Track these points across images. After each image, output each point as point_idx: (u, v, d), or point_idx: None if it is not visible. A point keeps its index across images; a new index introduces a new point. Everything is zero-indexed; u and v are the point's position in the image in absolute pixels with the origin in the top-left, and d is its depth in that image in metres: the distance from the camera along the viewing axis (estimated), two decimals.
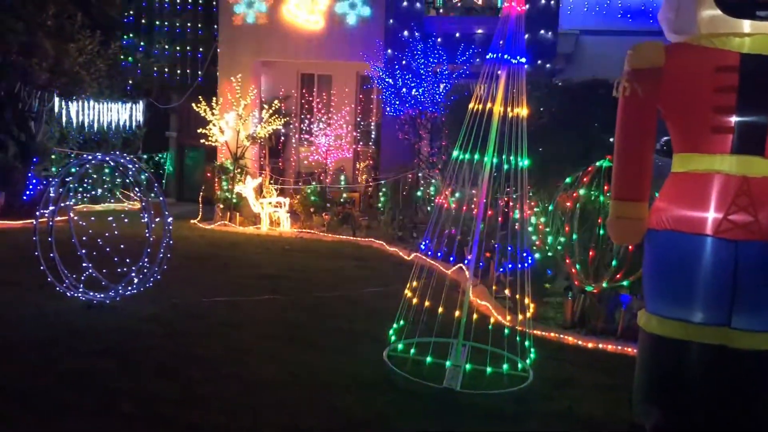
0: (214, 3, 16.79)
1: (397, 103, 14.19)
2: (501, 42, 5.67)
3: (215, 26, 16.88)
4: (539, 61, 13.82)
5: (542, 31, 14.26)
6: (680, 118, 4.69)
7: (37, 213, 7.69)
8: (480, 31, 14.20)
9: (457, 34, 14.69)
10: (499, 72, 5.42)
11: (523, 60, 5.48)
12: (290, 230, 14.65)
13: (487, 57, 5.54)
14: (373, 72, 14.68)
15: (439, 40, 14.49)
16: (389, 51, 14.86)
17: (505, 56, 5.39)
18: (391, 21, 15.20)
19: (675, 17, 4.74)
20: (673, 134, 4.79)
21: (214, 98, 15.96)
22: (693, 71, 4.54)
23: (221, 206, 15.61)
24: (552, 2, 14.49)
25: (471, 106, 5.58)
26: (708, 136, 4.52)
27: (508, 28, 5.35)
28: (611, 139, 4.98)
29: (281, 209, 14.92)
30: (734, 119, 4.46)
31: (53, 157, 15.97)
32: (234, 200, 15.33)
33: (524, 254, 5.95)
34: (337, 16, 15.49)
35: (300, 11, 15.66)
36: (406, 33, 14.87)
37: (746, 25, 4.43)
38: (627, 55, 4.77)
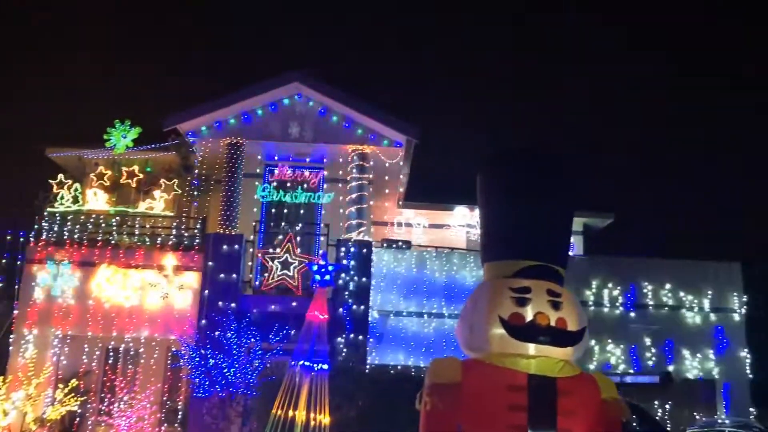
0: (19, 274, 15.94)
1: (207, 383, 13.63)
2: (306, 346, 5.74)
3: (15, 300, 15.83)
4: (351, 362, 13.93)
5: (353, 335, 14.80)
6: None
7: None
8: (294, 308, 14.46)
9: (273, 313, 14.86)
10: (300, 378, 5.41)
11: (325, 366, 5.54)
12: None
13: (291, 363, 5.56)
14: (184, 350, 14.19)
15: (254, 318, 14.52)
16: (202, 328, 14.59)
17: (307, 363, 5.44)
18: (206, 298, 15.14)
19: (469, 335, 5.08)
20: None
21: (2, 377, 14.47)
22: (487, 389, 4.79)
23: None
24: (362, 307, 15.26)
25: (274, 412, 5.44)
26: None
27: (312, 336, 5.46)
28: None
29: None
30: None
31: None
32: None
33: None
34: (150, 291, 15.21)
35: (111, 286, 15.25)
36: (221, 311, 14.79)
37: (531, 347, 4.82)
38: (428, 369, 4.96)
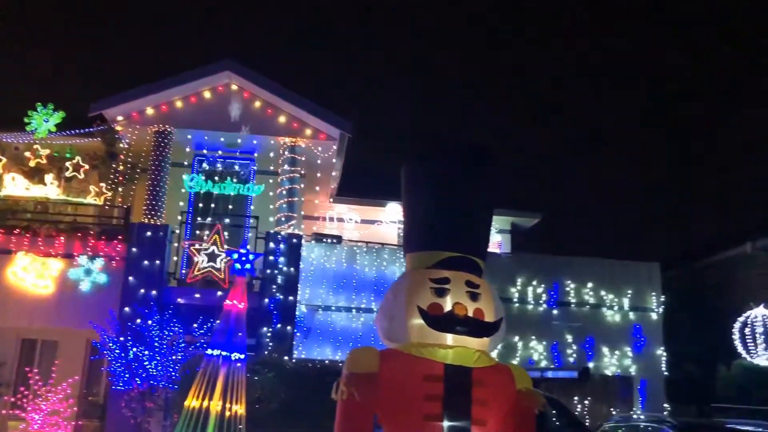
0: None
1: (127, 376, 13.28)
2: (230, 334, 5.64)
3: None
4: (276, 355, 13.81)
5: (279, 328, 14.69)
6: (394, 424, 4.84)
7: None
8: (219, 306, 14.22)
9: (198, 306, 14.57)
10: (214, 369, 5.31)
11: (242, 356, 5.45)
12: None
13: (207, 353, 5.46)
14: (104, 342, 13.78)
15: (178, 310, 14.22)
16: (123, 320, 14.20)
17: (224, 353, 5.34)
18: (128, 289, 14.74)
19: (388, 325, 5.09)
20: None
21: None
22: (404, 379, 4.80)
23: None
24: (290, 300, 15.14)
25: (187, 403, 5.32)
26: None
27: (230, 326, 5.37)
28: None
29: None
30: (441, 426, 4.69)
31: None
32: None
33: None
34: (70, 281, 14.70)
35: (27, 274, 14.67)
36: (143, 302, 14.41)
37: (449, 338, 4.85)
38: (346, 359, 4.95)
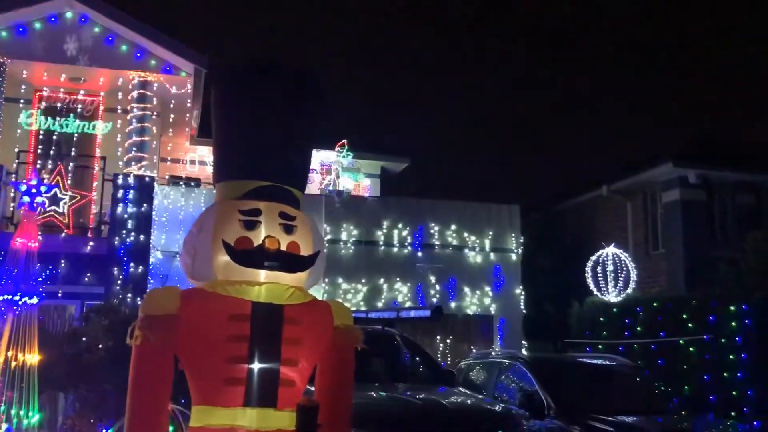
0: None
1: None
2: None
3: None
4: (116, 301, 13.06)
5: (132, 268, 13.86)
6: (195, 368, 4.46)
7: None
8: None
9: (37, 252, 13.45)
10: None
11: (35, 300, 4.86)
12: None
13: None
14: None
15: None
16: None
17: (11, 297, 4.73)
18: None
19: (192, 262, 4.64)
20: (190, 384, 4.52)
21: None
22: (207, 319, 4.42)
23: None
24: (141, 244, 14.28)
25: None
26: (222, 388, 4.34)
27: (19, 267, 4.75)
28: None
29: None
30: (247, 369, 4.36)
31: None
32: None
33: None
34: None
35: None
36: None
37: (259, 273, 4.47)
38: (142, 300, 4.50)
